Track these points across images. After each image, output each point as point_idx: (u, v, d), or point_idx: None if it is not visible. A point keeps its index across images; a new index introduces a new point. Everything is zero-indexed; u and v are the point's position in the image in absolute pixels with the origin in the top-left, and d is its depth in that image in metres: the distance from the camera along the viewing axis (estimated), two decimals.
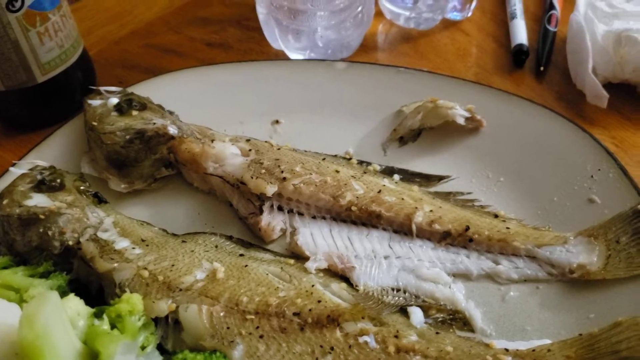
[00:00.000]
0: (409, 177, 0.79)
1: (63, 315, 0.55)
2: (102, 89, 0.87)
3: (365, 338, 0.60)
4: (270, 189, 0.73)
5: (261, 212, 0.75)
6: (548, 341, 0.61)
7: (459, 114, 0.82)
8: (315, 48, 1.04)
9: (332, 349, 0.60)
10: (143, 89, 0.90)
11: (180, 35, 1.18)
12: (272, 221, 0.74)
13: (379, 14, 1.13)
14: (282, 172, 0.75)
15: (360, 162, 0.81)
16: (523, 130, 0.81)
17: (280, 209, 0.75)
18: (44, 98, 0.97)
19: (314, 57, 1.03)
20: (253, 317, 0.62)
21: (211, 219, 0.79)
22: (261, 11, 1.03)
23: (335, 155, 0.82)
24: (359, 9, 1.01)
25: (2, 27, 0.87)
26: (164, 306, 0.62)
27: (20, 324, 0.53)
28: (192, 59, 1.11)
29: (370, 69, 0.92)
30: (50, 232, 0.70)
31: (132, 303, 0.60)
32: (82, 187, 0.78)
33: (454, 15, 1.11)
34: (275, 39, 1.05)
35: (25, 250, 0.71)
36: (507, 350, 0.60)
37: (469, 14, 1.11)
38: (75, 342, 0.56)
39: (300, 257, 0.72)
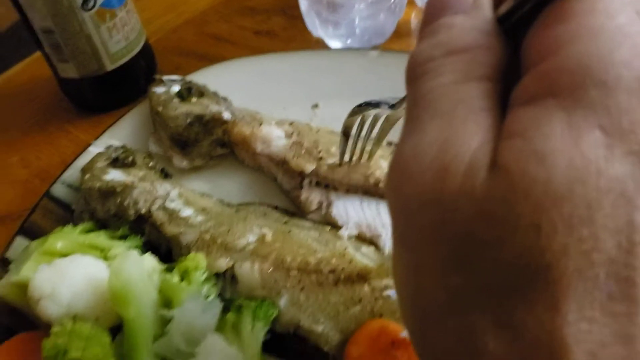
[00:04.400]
0: None
1: (142, 269, 0.69)
2: (164, 78, 0.99)
3: (389, 292, 0.72)
4: (309, 167, 0.85)
5: (301, 187, 0.86)
6: None
7: None
8: (353, 36, 1.14)
9: (360, 300, 0.72)
10: (199, 77, 1.02)
11: (231, 24, 1.30)
12: (310, 195, 0.86)
13: (411, 2, 1.22)
14: (320, 152, 0.87)
15: (390, 144, 0.91)
16: None
17: (317, 184, 0.87)
18: (112, 84, 1.10)
19: (352, 44, 1.14)
20: (296, 272, 0.74)
21: (259, 192, 0.91)
22: (303, 3, 1.14)
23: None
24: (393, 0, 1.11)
25: (78, 24, 1.00)
26: (223, 263, 0.75)
27: (109, 275, 0.67)
28: (241, 46, 1.23)
29: (402, 56, 1.02)
30: (125, 203, 0.83)
31: (196, 260, 0.73)
32: (150, 164, 0.91)
33: None
34: (316, 27, 1.16)
35: (104, 217, 0.85)
36: None
37: None
38: (152, 292, 0.69)
39: (334, 226, 0.83)
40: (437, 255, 0.29)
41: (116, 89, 1.12)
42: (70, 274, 0.69)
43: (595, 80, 0.26)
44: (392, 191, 0.33)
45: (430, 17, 0.35)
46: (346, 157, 0.82)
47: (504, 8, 0.32)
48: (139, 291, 0.67)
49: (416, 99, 0.33)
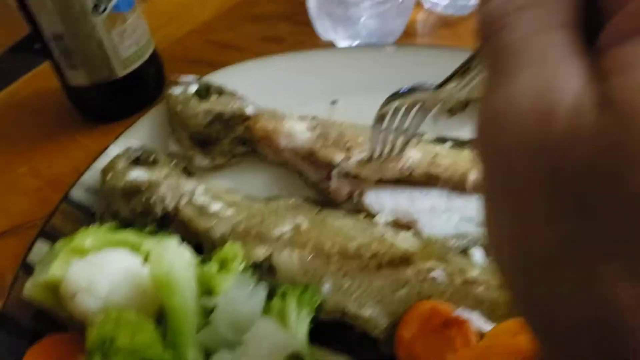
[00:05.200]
0: (460, 144, 0.88)
1: (182, 257, 0.66)
2: (180, 78, 0.98)
3: (434, 274, 0.70)
4: (338, 157, 0.84)
5: (329, 178, 0.85)
6: None
7: None
8: (362, 37, 1.14)
9: (406, 283, 0.70)
10: (214, 79, 1.00)
11: (236, 32, 1.29)
12: (340, 186, 0.84)
13: (418, 3, 1.23)
14: (347, 142, 0.85)
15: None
16: None
17: (346, 175, 0.85)
18: (123, 91, 1.09)
19: (361, 44, 1.14)
20: (336, 259, 0.72)
21: (286, 187, 0.89)
22: (313, 4, 1.14)
23: None
24: (401, 0, 1.11)
25: (90, 29, 0.99)
26: (260, 252, 0.73)
27: (151, 263, 0.64)
28: (249, 52, 1.21)
29: (417, 50, 1.02)
30: (152, 201, 0.81)
31: (234, 250, 0.71)
32: (172, 163, 0.89)
33: None
34: (326, 30, 1.16)
35: (129, 217, 0.82)
36: None
37: None
38: (192, 281, 0.67)
39: (368, 214, 0.81)
40: (548, 200, 0.28)
41: (126, 96, 1.10)
42: (107, 266, 0.67)
43: None
44: (487, 146, 0.31)
45: None
46: (377, 151, 0.81)
47: None
48: (182, 279, 0.64)
49: (498, 53, 0.32)
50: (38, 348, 0.71)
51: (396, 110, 0.75)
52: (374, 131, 0.79)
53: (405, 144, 0.80)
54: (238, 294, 0.65)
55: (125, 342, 0.57)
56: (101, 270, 0.66)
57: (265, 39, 1.26)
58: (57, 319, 0.74)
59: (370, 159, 0.82)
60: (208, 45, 1.27)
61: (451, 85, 0.67)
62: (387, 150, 0.80)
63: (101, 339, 0.57)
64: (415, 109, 0.74)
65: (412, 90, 0.74)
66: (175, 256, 0.65)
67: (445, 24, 1.21)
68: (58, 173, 1.05)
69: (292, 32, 1.26)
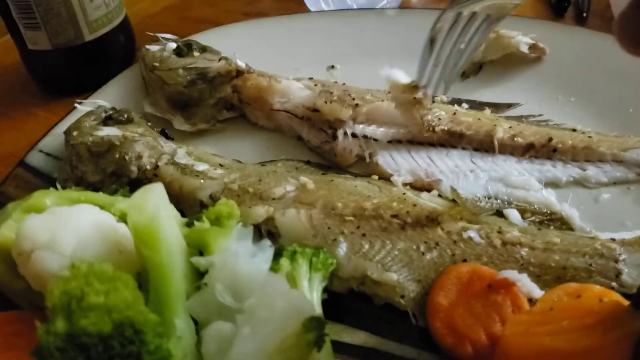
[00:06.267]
0: (478, 105, 0.79)
1: (168, 203, 0.53)
2: (159, 35, 0.86)
3: (470, 233, 0.59)
4: (345, 113, 0.73)
5: (335, 138, 0.73)
6: None
7: (523, 41, 0.82)
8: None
9: (437, 244, 0.58)
10: (197, 40, 0.89)
11: (216, 8, 1.18)
12: (348, 146, 0.73)
13: None
14: (354, 99, 0.75)
15: (453, 103, 0.80)
16: (586, 54, 0.81)
17: (354, 136, 0.74)
18: (89, 58, 0.96)
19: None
20: (352, 219, 0.60)
21: (281, 153, 0.77)
22: None
23: None
24: None
25: None
26: (261, 211, 0.61)
27: (129, 213, 0.51)
28: None
29: (421, 13, 0.93)
30: (127, 157, 0.68)
31: (230, 206, 0.58)
32: (149, 124, 0.77)
33: None
34: (315, 2, 1.06)
35: (97, 179, 0.69)
36: (613, 239, 0.59)
37: None
38: (180, 236, 0.54)
39: (380, 177, 0.70)
40: None
41: (93, 64, 0.97)
42: (73, 220, 0.53)
43: None
44: None
45: None
46: (424, 83, 0.69)
47: None
48: (168, 229, 0.51)
49: None
50: None
51: (454, 25, 0.62)
52: (423, 57, 0.67)
53: (456, 76, 0.68)
54: (239, 250, 0.52)
55: (99, 300, 0.44)
56: (65, 224, 0.53)
57: (247, 14, 1.15)
58: (6, 293, 0.60)
59: (415, 85, 0.70)
60: (184, 22, 1.16)
61: None
62: (435, 82, 0.68)
63: (67, 296, 0.44)
64: (479, 20, 0.62)
65: None
66: (161, 201, 0.52)
67: None
68: (11, 149, 0.91)
69: (277, 7, 1.16)
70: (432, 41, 0.64)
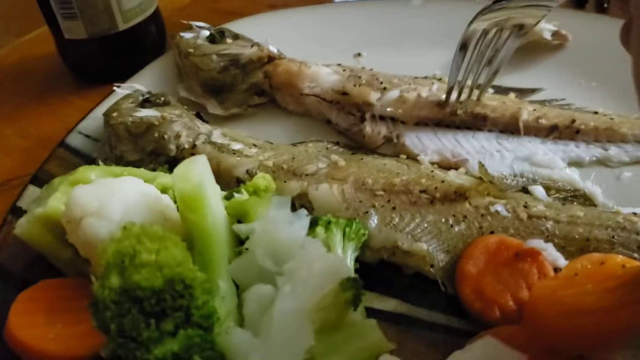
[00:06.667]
0: (502, 90, 0.81)
1: (210, 173, 0.56)
2: (192, 23, 0.89)
3: (497, 207, 0.62)
4: (374, 95, 0.75)
5: (363, 120, 0.76)
6: None
7: (546, 28, 0.84)
8: None
9: (465, 217, 0.61)
10: (229, 29, 0.92)
11: (243, 0, 1.21)
12: (375, 128, 0.75)
13: None
14: (382, 83, 0.77)
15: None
16: (607, 40, 0.83)
17: (381, 118, 0.76)
18: (123, 46, 0.99)
19: None
20: (382, 193, 0.63)
21: (311, 135, 0.80)
22: None
23: (425, 77, 0.83)
24: None
25: None
26: (295, 185, 0.64)
27: (175, 181, 0.55)
28: None
29: (446, 3, 0.95)
30: (166, 136, 0.72)
31: (267, 179, 0.61)
32: (185, 107, 0.80)
33: None
34: None
35: (136, 158, 0.73)
36: (635, 214, 0.61)
37: None
38: (221, 205, 0.57)
39: (408, 157, 0.73)
40: None
41: (126, 53, 1.00)
42: (121, 189, 0.56)
43: None
44: None
45: None
46: (457, 86, 0.72)
47: None
48: (212, 196, 0.54)
49: None
50: (30, 293, 0.60)
51: (486, 30, 0.65)
52: (456, 60, 0.70)
53: (492, 79, 0.71)
54: (278, 217, 0.55)
55: (150, 257, 0.47)
56: (113, 193, 0.56)
57: (273, 6, 1.18)
58: (53, 262, 0.63)
59: (448, 93, 0.73)
60: (214, 13, 1.19)
61: None
62: (468, 89, 0.71)
63: (120, 254, 0.47)
64: (510, 26, 0.64)
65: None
66: (205, 171, 0.55)
67: None
68: (49, 133, 0.94)
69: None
70: (464, 47, 0.66)
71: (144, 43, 1.02)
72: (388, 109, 0.76)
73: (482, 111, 0.74)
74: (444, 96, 0.74)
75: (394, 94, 0.75)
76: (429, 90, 0.76)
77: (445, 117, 0.74)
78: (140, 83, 0.87)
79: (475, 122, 0.74)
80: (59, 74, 1.06)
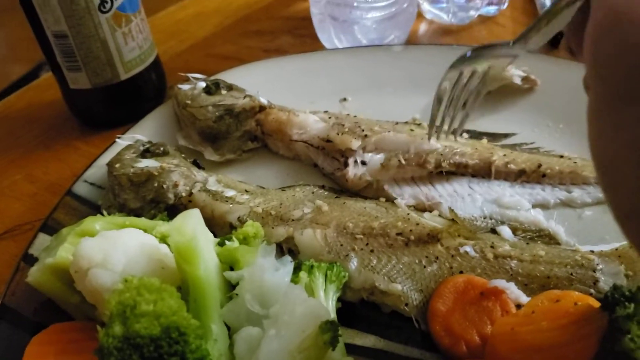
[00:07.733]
0: (477, 135, 0.87)
1: (204, 226, 0.63)
2: (189, 75, 0.96)
3: (466, 248, 0.67)
4: (355, 143, 0.81)
5: (346, 165, 0.82)
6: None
7: (516, 74, 0.91)
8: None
9: (437, 258, 0.67)
10: (223, 78, 0.98)
11: (238, 45, 1.28)
12: (358, 173, 0.82)
13: (420, 14, 1.23)
14: (363, 130, 0.83)
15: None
16: (574, 84, 0.89)
17: (363, 163, 0.83)
18: (125, 95, 1.06)
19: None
20: (361, 237, 0.69)
21: (299, 178, 0.86)
22: (315, 12, 1.14)
23: (406, 122, 0.89)
24: (405, 5, 1.11)
25: (94, 27, 0.96)
26: (282, 231, 0.70)
27: (171, 234, 0.61)
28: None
29: (425, 48, 1.02)
30: (165, 186, 0.78)
31: (256, 227, 0.67)
32: (182, 155, 0.86)
33: (489, 11, 1.22)
34: (329, 38, 1.16)
35: (138, 206, 0.79)
36: (592, 251, 0.67)
37: (505, 6, 1.21)
38: (214, 255, 0.63)
39: (387, 199, 0.79)
40: None
41: (128, 100, 1.07)
42: (122, 242, 0.63)
43: None
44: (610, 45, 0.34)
45: None
46: (435, 129, 0.78)
47: None
48: (205, 248, 0.60)
49: None
50: (42, 337, 0.66)
51: (460, 77, 0.70)
52: (434, 106, 0.74)
53: (465, 121, 0.75)
54: (264, 264, 0.61)
55: (149, 308, 0.53)
56: (115, 246, 0.62)
57: (267, 50, 1.25)
58: (62, 307, 0.69)
59: (429, 135, 0.79)
60: (209, 59, 1.26)
61: (532, 36, 0.59)
62: (445, 128, 0.77)
63: (122, 305, 0.53)
64: (481, 72, 0.69)
65: (480, 50, 0.67)
66: (198, 225, 0.61)
67: (447, 32, 1.21)
68: (55, 179, 1.01)
69: (294, 44, 1.25)
70: (439, 100, 0.72)
71: (146, 90, 1.09)
72: (369, 155, 0.82)
73: (461, 160, 0.79)
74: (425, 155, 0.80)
75: (374, 140, 0.81)
76: (407, 152, 0.81)
77: (422, 163, 0.80)
78: (142, 131, 0.94)
79: (457, 170, 0.80)
80: (65, 119, 1.13)
